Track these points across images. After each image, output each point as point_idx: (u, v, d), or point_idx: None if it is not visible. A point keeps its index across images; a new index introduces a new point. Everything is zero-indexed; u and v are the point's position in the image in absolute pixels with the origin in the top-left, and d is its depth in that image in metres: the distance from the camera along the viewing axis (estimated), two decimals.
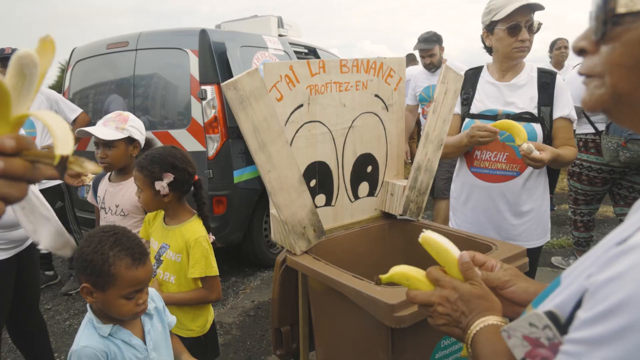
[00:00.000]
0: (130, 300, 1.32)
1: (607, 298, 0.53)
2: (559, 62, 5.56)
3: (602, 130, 3.45)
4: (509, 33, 2.04)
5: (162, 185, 1.83)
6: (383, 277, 1.02)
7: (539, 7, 2.00)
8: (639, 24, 0.59)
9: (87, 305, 1.39)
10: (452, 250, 0.93)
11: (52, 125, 0.64)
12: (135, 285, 1.31)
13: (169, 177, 1.83)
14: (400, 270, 0.98)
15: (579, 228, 4.01)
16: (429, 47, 4.37)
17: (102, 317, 1.37)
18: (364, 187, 1.95)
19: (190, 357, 1.63)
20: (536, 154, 1.86)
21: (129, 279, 1.29)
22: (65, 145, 0.63)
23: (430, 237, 0.94)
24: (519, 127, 1.93)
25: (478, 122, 2.05)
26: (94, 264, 1.27)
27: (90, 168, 0.69)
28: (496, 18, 2.04)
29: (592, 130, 3.63)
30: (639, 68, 0.60)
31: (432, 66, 4.41)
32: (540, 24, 2.04)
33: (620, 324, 0.51)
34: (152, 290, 1.52)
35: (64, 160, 0.63)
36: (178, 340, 1.69)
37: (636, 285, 0.50)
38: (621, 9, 0.60)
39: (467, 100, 2.22)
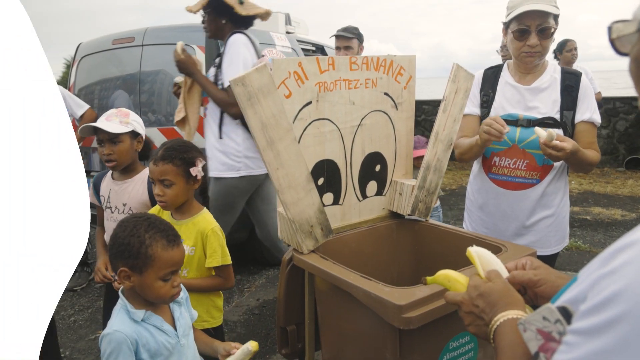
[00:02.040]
0: (166, 282, 1.36)
1: (603, 291, 0.56)
2: (568, 64, 5.54)
3: None
4: (517, 37, 1.96)
5: (198, 170, 1.85)
6: (429, 278, 1.12)
7: (549, 14, 1.88)
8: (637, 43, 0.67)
9: (119, 291, 1.43)
10: (493, 262, 1.03)
11: None
12: (171, 265, 1.36)
13: (201, 162, 1.87)
14: (444, 273, 1.08)
15: None
16: (348, 35, 3.97)
17: (135, 302, 1.39)
18: (372, 186, 1.93)
19: (221, 342, 1.63)
20: (557, 142, 1.76)
21: (165, 259, 1.34)
22: None
23: (470, 252, 1.07)
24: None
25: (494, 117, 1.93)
26: (131, 247, 1.32)
27: None
28: (509, 18, 1.96)
29: None
30: None
31: None
32: (555, 29, 1.93)
33: (612, 315, 0.53)
34: None
35: None
36: (202, 332, 1.69)
37: (629, 278, 0.53)
38: (614, 35, 0.70)
39: (487, 103, 2.10)
